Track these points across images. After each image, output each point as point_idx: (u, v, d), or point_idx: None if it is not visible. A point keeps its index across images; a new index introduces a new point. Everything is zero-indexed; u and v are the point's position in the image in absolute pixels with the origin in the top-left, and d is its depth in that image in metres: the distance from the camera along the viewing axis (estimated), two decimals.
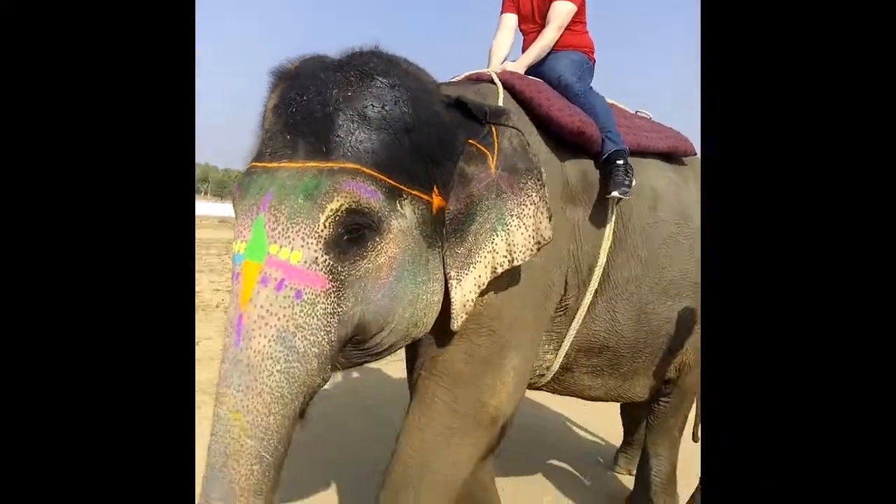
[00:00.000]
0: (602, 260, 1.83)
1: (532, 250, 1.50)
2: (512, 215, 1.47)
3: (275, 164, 1.29)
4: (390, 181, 1.29)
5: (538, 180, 1.49)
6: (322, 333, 1.23)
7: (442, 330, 1.50)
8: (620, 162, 1.80)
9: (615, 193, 1.77)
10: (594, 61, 2.19)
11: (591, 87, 2.07)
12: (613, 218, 1.84)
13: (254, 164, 1.34)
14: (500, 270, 1.48)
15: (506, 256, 1.47)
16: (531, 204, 1.48)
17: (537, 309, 1.71)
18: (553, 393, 2.15)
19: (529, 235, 1.48)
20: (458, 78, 1.93)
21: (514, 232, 1.47)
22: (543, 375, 1.95)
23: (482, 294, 1.54)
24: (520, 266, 1.54)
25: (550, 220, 1.51)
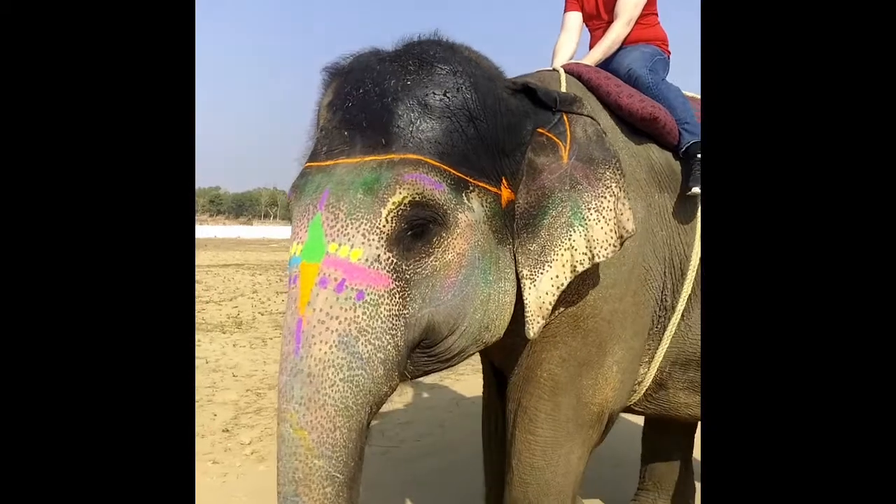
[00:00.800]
0: (695, 261, 1.66)
1: (615, 245, 1.37)
2: (590, 208, 1.35)
3: (331, 162, 1.22)
4: (455, 172, 1.22)
5: (618, 170, 1.38)
6: (387, 337, 1.15)
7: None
8: (701, 155, 1.64)
9: (696, 190, 1.63)
10: (669, 54, 2.05)
11: (664, 79, 1.92)
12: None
13: (308, 164, 1.28)
14: (580, 269, 1.36)
15: (585, 253, 1.35)
16: (611, 195, 1.36)
17: (637, 295, 1.58)
18: (644, 413, 1.94)
19: (611, 229, 1.36)
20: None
21: (594, 226, 1.35)
22: (634, 392, 1.75)
23: (575, 291, 1.45)
24: (614, 255, 1.43)
25: (632, 211, 1.40)
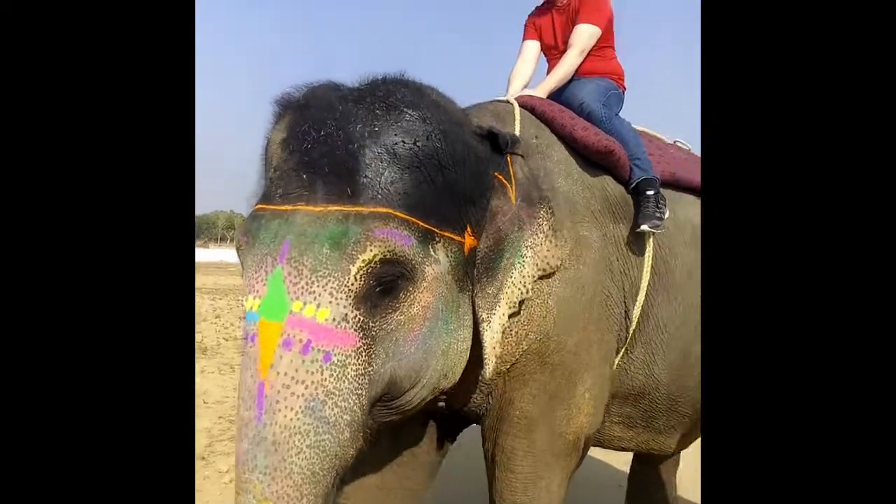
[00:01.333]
0: (641, 297, 1.71)
1: (535, 277, 1.42)
2: (527, 246, 1.40)
3: (288, 208, 1.17)
4: (424, 224, 1.20)
5: (549, 209, 1.45)
6: (353, 398, 1.13)
7: (502, 373, 1.45)
8: (651, 192, 1.70)
9: (645, 227, 1.66)
10: (624, 88, 2.09)
11: (617, 114, 1.96)
12: (651, 253, 1.73)
13: (261, 206, 1.22)
14: (515, 304, 1.40)
15: (520, 290, 1.40)
16: (541, 233, 1.43)
17: (600, 322, 1.62)
18: None
19: (536, 265, 1.42)
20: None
21: (529, 263, 1.40)
22: None
23: (538, 328, 1.49)
24: (573, 287, 1.51)
25: (560, 249, 1.47)
